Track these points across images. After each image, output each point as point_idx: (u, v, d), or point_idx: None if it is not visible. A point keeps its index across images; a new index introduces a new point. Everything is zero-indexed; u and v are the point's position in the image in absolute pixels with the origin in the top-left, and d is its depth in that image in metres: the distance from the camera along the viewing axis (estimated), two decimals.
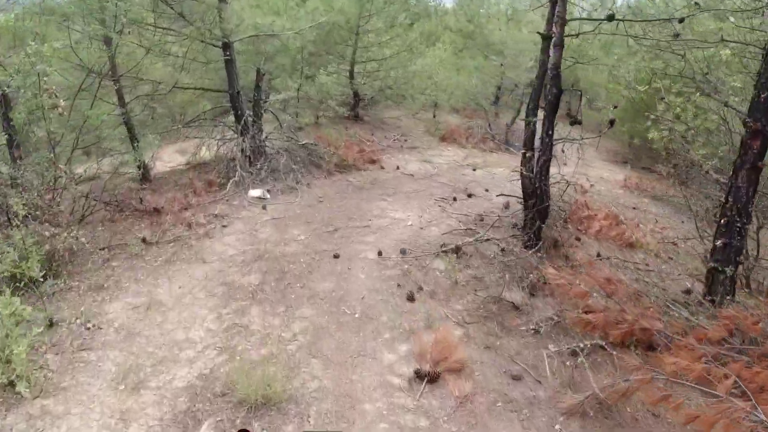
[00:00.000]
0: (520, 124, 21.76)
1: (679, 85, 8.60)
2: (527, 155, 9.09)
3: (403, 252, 8.62)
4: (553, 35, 8.08)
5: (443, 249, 8.71)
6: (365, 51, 16.82)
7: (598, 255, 9.75)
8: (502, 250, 8.92)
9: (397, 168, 13.57)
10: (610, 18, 7.67)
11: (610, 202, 13.44)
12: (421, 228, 9.74)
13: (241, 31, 11.80)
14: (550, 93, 8.27)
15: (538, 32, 8.92)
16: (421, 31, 19.90)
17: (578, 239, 10.20)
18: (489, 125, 19.22)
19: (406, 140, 17.02)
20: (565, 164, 19.02)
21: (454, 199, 11.53)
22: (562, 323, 7.23)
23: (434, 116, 19.96)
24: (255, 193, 10.44)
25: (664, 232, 12.10)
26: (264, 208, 9.98)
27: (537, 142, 9.00)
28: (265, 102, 12.70)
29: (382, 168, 13.42)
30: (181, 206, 9.55)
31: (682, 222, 13.81)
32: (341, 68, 17.17)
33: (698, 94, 8.05)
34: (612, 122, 9.26)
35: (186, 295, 7.28)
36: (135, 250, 8.16)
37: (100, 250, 8.20)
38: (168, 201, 9.59)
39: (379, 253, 8.56)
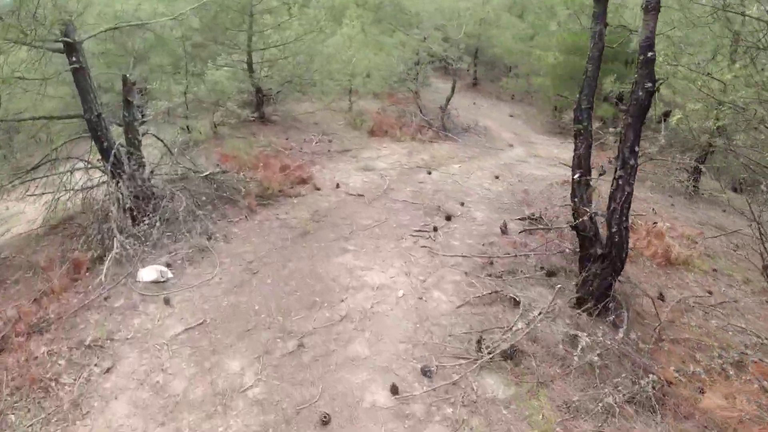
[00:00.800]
0: (459, 106, 19.17)
1: None
2: (581, 181, 6.16)
3: (426, 373, 5.24)
4: None
5: (489, 353, 5.43)
6: (263, 36, 13.10)
7: (661, 296, 7.10)
8: (574, 337, 5.68)
9: (338, 186, 10.18)
10: None
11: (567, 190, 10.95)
12: (422, 299, 6.50)
13: (92, 23, 7.89)
14: (639, 88, 5.32)
15: None
16: (325, 6, 16.32)
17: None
18: (420, 110, 16.20)
19: (331, 140, 13.60)
20: (511, 145, 16.61)
21: (435, 229, 8.41)
22: None
23: (351, 106, 16.63)
24: (148, 275, 6.61)
25: (684, 229, 9.75)
26: (167, 302, 6.20)
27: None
28: (142, 121, 8.84)
29: (318, 189, 9.99)
30: (29, 329, 5.54)
31: (672, 205, 11.66)
32: (236, 60, 13.35)
33: None
34: (666, 115, 6.67)
35: None
36: None
37: None
38: (4, 321, 5.65)
39: (393, 390, 5.03)
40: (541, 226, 8.57)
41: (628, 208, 5.83)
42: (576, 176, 6.29)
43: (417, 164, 12.14)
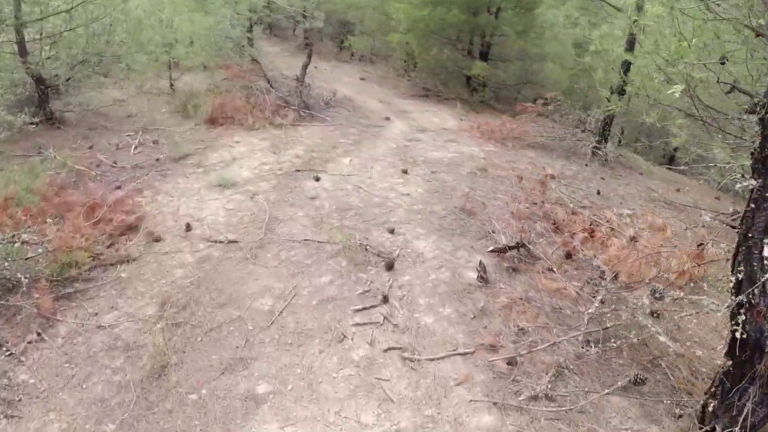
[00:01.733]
0: (318, 79, 15.26)
1: None
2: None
3: None
4: None
5: None
6: (37, 2, 8.25)
7: None
8: None
9: (189, 228, 6.08)
10: None
11: (500, 179, 8.38)
12: None
13: None
14: None
15: None
16: None
17: None
18: (271, 84, 12.27)
19: (157, 141, 9.24)
20: (387, 118, 13.50)
21: (384, 299, 4.94)
22: None
23: (172, 84, 12.14)
24: None
25: (654, 219, 7.57)
26: None
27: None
28: None
29: (158, 240, 5.90)
30: None
31: (626, 185, 9.60)
32: None
33: None
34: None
35: None
36: None
37: None
38: None
39: None
40: (550, 266, 5.71)
41: None
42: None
43: (293, 165, 8.47)
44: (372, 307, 4.83)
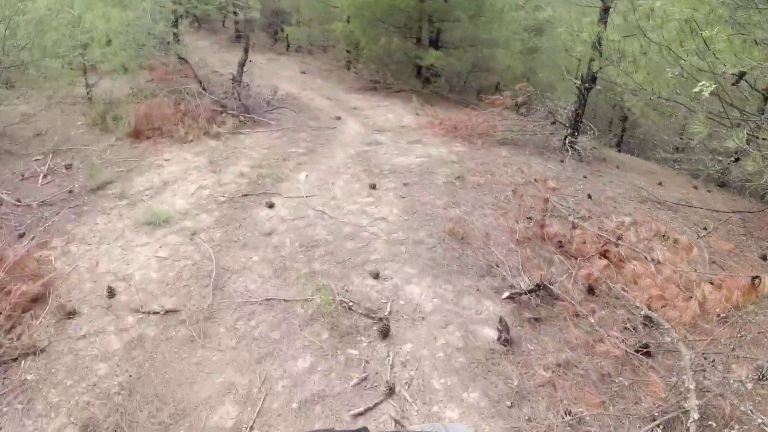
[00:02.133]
0: (255, 75, 13.36)
1: None
2: None
3: None
4: None
5: None
6: None
7: None
8: None
9: (112, 293, 4.51)
10: None
11: (482, 188, 7.25)
12: None
13: None
14: None
15: None
16: None
17: None
18: (203, 86, 10.56)
19: (70, 166, 7.50)
20: (339, 118, 12.06)
21: (390, 390, 3.60)
22: None
23: (88, 92, 10.25)
24: None
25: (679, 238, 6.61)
26: None
27: None
28: None
29: (71, 314, 4.28)
30: None
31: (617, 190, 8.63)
32: None
33: None
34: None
35: None
36: None
37: None
38: None
39: None
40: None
41: None
42: None
43: (239, 188, 6.96)
44: (376, 406, 3.53)
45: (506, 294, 4.68)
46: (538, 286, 4.70)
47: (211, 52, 16.48)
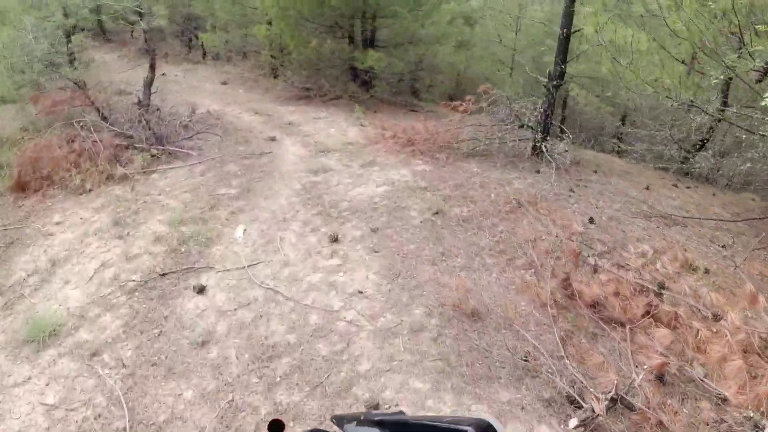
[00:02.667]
0: (170, 92, 11.01)
1: None
2: None
3: None
4: None
5: None
6: None
7: None
8: None
9: None
10: None
11: (470, 224, 5.78)
12: None
13: None
14: None
15: None
16: None
17: None
18: (103, 115, 8.43)
19: None
20: (273, 138, 10.12)
21: None
22: None
23: None
24: None
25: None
26: None
27: None
28: None
29: None
30: None
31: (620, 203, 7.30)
32: None
33: None
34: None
35: None
36: None
37: None
38: None
39: None
40: None
41: None
42: None
43: (154, 262, 5.06)
44: None
45: (574, 422, 3.18)
46: (614, 398, 3.24)
47: (119, 67, 14.13)
